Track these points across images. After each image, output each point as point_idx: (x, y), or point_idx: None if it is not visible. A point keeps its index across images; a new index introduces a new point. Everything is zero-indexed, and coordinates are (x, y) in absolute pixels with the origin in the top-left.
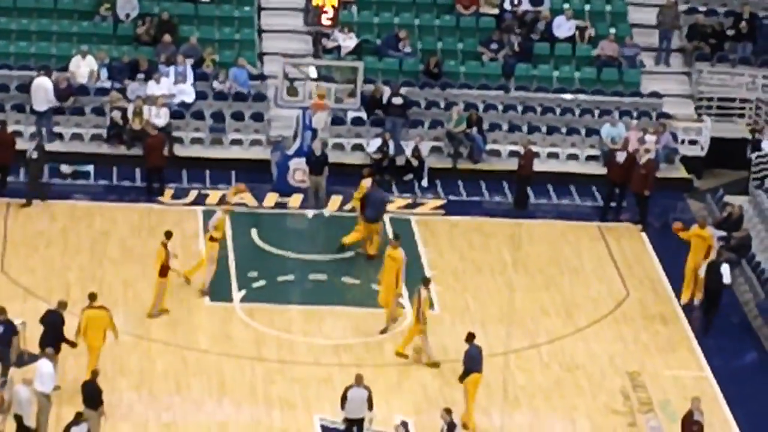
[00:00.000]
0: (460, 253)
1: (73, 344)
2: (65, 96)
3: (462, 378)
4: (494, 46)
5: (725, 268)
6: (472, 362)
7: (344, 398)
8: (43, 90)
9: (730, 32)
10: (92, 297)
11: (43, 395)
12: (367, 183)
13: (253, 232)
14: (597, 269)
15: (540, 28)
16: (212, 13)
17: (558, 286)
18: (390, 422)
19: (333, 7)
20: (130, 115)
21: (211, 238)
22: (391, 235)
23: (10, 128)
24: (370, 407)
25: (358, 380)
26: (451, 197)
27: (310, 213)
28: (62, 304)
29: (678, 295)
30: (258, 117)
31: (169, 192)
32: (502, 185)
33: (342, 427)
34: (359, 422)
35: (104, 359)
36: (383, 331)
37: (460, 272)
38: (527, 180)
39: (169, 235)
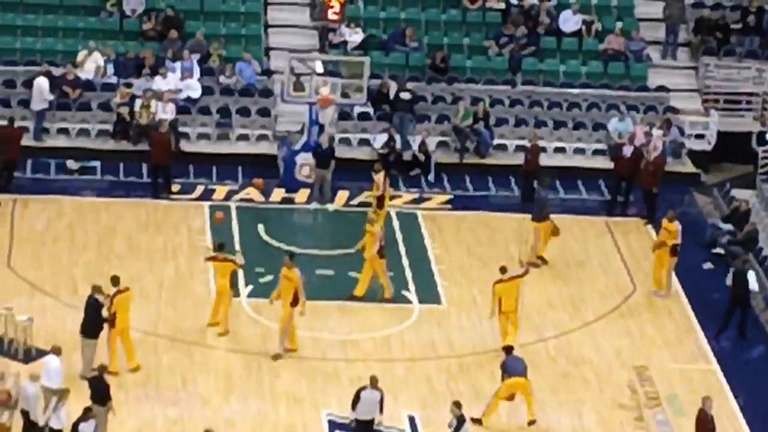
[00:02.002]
0: (467, 247)
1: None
2: (72, 88)
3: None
4: (504, 40)
5: (752, 275)
6: (512, 370)
7: (356, 399)
8: (38, 90)
9: (737, 26)
10: (116, 281)
11: (50, 390)
12: (379, 179)
13: (260, 228)
14: (604, 263)
15: (544, 20)
16: (218, 8)
17: (565, 280)
18: (396, 418)
19: (339, 2)
20: (137, 109)
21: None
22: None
23: (17, 124)
24: (381, 410)
25: (373, 382)
26: (458, 192)
27: (312, 206)
28: (96, 288)
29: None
30: (264, 112)
31: (175, 187)
32: (509, 180)
33: (353, 426)
34: (369, 423)
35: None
36: (275, 357)
37: (467, 267)
38: (533, 174)
39: (221, 246)
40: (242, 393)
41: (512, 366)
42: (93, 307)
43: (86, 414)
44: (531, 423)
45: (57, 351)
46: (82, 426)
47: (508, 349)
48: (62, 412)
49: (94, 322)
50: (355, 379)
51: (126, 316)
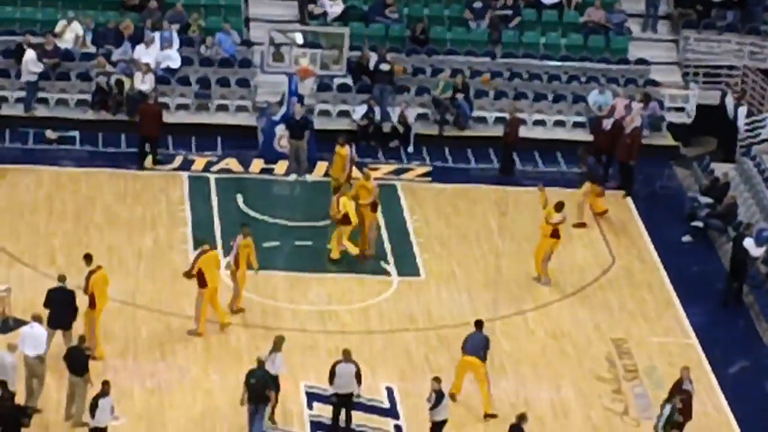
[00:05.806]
0: (446, 219)
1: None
2: (51, 57)
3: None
4: (478, 5)
5: (748, 242)
6: (475, 349)
7: (332, 374)
8: (26, 62)
9: None
10: (88, 258)
11: (38, 358)
12: (345, 151)
13: (239, 198)
14: (583, 236)
15: None
16: None
17: None
18: (375, 390)
19: None
20: (116, 80)
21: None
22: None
23: None
24: (359, 382)
25: (346, 355)
26: (437, 163)
27: (291, 177)
28: (61, 277)
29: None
30: (244, 83)
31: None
32: (488, 152)
33: (333, 401)
34: (348, 396)
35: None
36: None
37: (446, 239)
38: (513, 146)
39: (203, 242)
40: (220, 364)
41: (469, 343)
42: (62, 297)
43: (105, 388)
44: (452, 398)
45: (38, 318)
46: (101, 402)
47: (478, 324)
48: (278, 360)
49: (65, 312)
50: (334, 350)
51: (104, 297)
